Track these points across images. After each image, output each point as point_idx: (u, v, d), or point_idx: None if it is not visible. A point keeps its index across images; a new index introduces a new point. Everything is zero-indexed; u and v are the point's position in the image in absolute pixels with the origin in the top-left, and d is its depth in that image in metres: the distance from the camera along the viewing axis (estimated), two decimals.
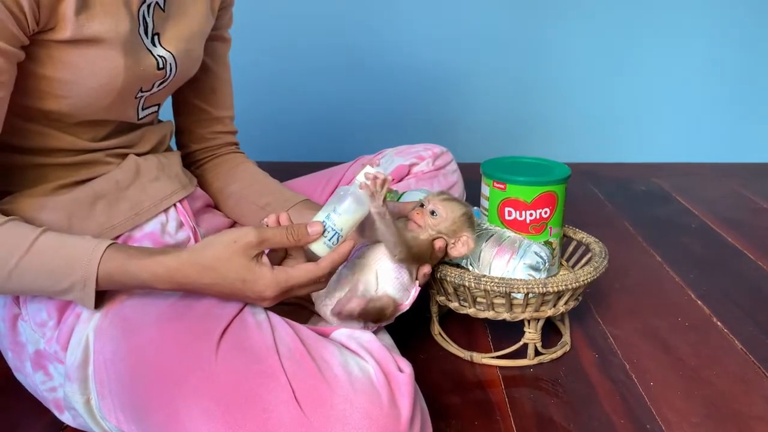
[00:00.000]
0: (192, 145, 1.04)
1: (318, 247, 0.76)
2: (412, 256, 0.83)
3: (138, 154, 0.88)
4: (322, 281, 0.75)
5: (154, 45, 0.82)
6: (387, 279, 0.84)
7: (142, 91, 0.83)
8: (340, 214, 0.76)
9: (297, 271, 0.73)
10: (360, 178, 0.78)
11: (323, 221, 0.75)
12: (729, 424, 0.87)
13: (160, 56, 0.82)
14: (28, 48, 0.71)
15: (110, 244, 0.71)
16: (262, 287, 0.71)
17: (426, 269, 0.86)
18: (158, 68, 0.82)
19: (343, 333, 0.73)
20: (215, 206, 1.04)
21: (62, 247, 0.71)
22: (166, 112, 1.01)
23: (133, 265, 0.71)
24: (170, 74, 0.85)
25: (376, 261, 0.84)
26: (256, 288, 0.71)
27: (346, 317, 0.79)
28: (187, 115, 1.03)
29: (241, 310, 0.74)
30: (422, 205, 0.86)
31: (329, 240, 0.75)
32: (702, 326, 1.12)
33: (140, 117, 0.88)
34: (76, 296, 0.72)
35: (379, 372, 0.66)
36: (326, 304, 0.82)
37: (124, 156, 0.87)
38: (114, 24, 0.74)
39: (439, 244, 0.85)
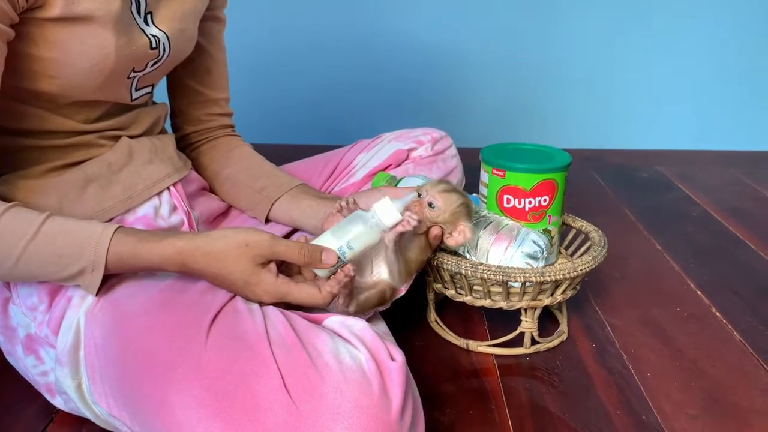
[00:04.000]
0: (187, 128, 1.03)
1: (322, 271, 0.76)
2: (411, 275, 0.84)
3: (131, 137, 0.87)
4: (319, 304, 0.76)
5: (147, 24, 0.80)
6: (382, 265, 0.83)
7: (134, 71, 0.82)
8: (353, 249, 0.76)
9: (299, 290, 0.74)
10: (377, 206, 0.77)
11: (337, 252, 0.75)
12: (726, 417, 0.86)
13: (153, 36, 0.81)
14: (18, 27, 0.69)
15: (118, 228, 0.71)
16: (261, 292, 0.73)
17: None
18: (151, 48, 0.81)
19: (336, 320, 0.72)
20: (210, 189, 1.03)
21: (69, 232, 0.70)
22: (161, 94, 1.00)
23: (144, 248, 0.71)
24: (164, 54, 0.83)
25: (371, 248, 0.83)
26: (256, 291, 0.73)
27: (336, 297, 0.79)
28: (182, 97, 1.01)
29: (233, 297, 0.73)
30: (419, 195, 0.85)
31: (334, 267, 0.76)
32: (701, 317, 1.11)
33: (134, 98, 0.86)
34: (84, 281, 0.71)
35: (371, 360, 0.65)
36: None
37: (116, 138, 0.86)
38: (104, 2, 0.73)
39: (435, 232, 0.84)
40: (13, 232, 0.69)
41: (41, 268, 0.70)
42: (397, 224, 0.77)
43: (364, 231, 0.76)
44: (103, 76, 0.77)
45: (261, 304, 0.74)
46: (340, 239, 0.76)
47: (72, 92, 0.77)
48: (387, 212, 0.77)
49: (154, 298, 0.73)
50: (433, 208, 0.83)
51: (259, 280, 0.72)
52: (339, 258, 0.75)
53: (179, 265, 0.72)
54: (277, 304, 0.74)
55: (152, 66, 0.84)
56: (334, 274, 0.76)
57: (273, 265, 0.74)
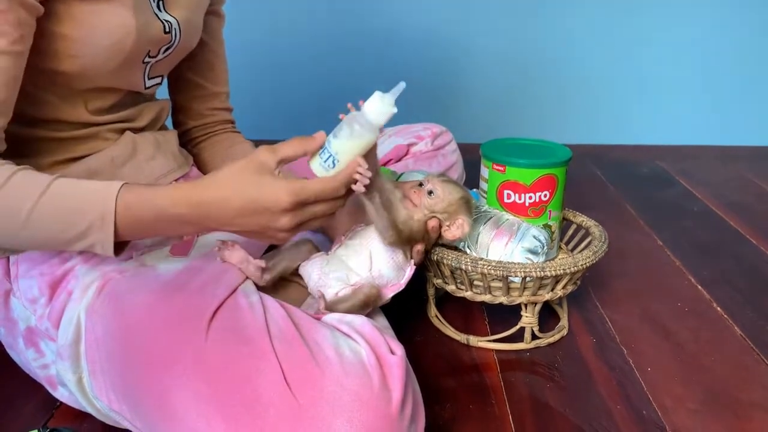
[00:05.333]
0: (189, 122, 1.04)
1: (316, 168, 0.73)
2: (403, 240, 0.83)
3: (134, 130, 0.87)
4: (339, 197, 0.72)
5: (160, 10, 0.82)
6: (380, 259, 0.83)
7: (149, 56, 0.83)
8: (339, 138, 0.72)
9: (313, 183, 0.70)
10: (367, 106, 0.72)
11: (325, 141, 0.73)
12: (726, 411, 0.86)
13: (166, 21, 0.82)
14: (45, 4, 0.70)
15: (125, 183, 0.70)
16: (277, 194, 0.68)
17: (419, 246, 0.85)
18: (164, 32, 0.82)
19: (335, 317, 0.73)
20: None
21: (78, 187, 0.69)
22: (163, 91, 1.00)
23: (150, 193, 0.69)
24: (175, 40, 0.85)
25: (369, 242, 0.83)
26: (272, 195, 0.68)
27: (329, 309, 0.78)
28: (185, 92, 1.02)
29: (233, 291, 0.73)
30: (421, 185, 0.85)
31: (324, 162, 0.72)
32: (702, 312, 1.11)
33: (147, 86, 0.87)
34: (96, 238, 0.68)
35: (371, 354, 0.66)
36: (320, 285, 0.82)
37: (121, 132, 0.86)
38: None
39: (432, 223, 0.84)
40: (23, 189, 0.67)
41: (50, 227, 0.68)
42: (389, 118, 0.73)
43: (346, 127, 0.73)
44: (122, 57, 0.77)
45: (284, 225, 0.69)
46: (331, 134, 0.73)
47: (90, 73, 0.77)
48: (376, 104, 0.72)
49: (155, 293, 0.73)
50: (432, 196, 0.83)
51: (271, 182, 0.68)
52: (325, 150, 0.72)
53: (188, 205, 0.69)
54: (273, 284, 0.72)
55: (164, 52, 0.85)
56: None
57: (281, 173, 0.71)
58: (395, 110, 0.73)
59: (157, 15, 0.81)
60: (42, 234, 0.69)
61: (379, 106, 0.72)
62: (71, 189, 0.69)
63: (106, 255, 0.70)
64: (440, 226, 0.85)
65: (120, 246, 0.70)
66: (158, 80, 0.90)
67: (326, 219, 0.73)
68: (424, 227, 0.84)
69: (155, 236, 0.72)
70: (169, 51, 0.85)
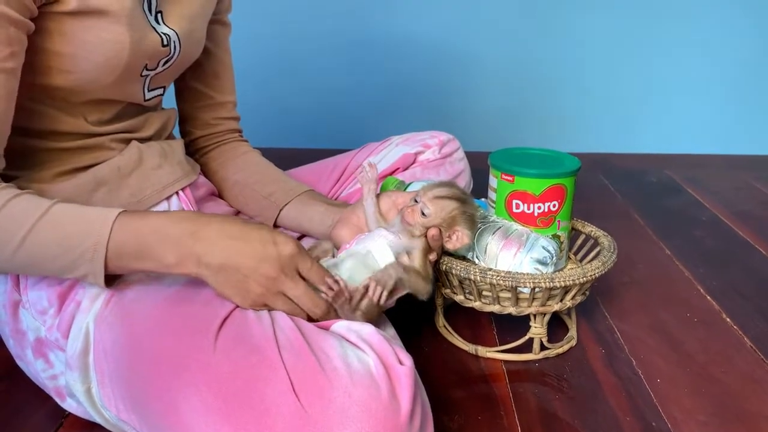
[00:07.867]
0: (196, 132, 1.04)
1: None
2: (429, 279, 0.84)
3: (141, 140, 0.88)
4: (319, 292, 0.74)
5: (158, 23, 0.82)
6: (384, 263, 0.82)
7: (147, 69, 0.83)
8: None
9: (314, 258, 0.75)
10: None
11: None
12: (737, 423, 0.86)
13: (164, 34, 0.82)
14: (35, 21, 0.70)
15: (123, 210, 0.71)
16: (286, 236, 0.72)
17: (434, 231, 0.85)
18: (162, 45, 0.82)
19: (343, 325, 0.72)
20: (219, 195, 1.03)
21: (76, 214, 0.70)
22: (170, 101, 1.00)
23: (146, 213, 0.72)
24: (174, 52, 0.84)
25: (373, 247, 0.83)
26: (281, 236, 0.72)
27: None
28: (191, 101, 1.02)
29: None
30: (415, 200, 0.84)
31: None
32: (711, 322, 1.10)
33: (147, 98, 0.87)
34: (86, 269, 0.70)
35: (379, 364, 0.65)
36: None
37: (127, 142, 0.86)
38: None
39: (431, 232, 0.83)
40: (22, 211, 0.68)
41: (44, 251, 0.69)
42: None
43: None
44: (117, 72, 0.78)
45: (260, 286, 0.71)
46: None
47: (86, 88, 0.77)
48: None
49: (163, 303, 0.73)
50: (425, 215, 0.83)
51: (280, 235, 0.72)
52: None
53: (180, 216, 0.71)
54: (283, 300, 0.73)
55: (164, 65, 0.85)
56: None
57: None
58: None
59: (154, 28, 0.81)
60: (35, 258, 0.70)
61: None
62: (70, 215, 0.70)
63: (98, 285, 0.72)
64: (441, 234, 0.85)
65: (110, 279, 0.72)
66: (160, 92, 0.90)
67: (289, 309, 0.74)
68: (426, 245, 0.84)
69: (141, 262, 0.71)
70: (169, 63, 0.85)
